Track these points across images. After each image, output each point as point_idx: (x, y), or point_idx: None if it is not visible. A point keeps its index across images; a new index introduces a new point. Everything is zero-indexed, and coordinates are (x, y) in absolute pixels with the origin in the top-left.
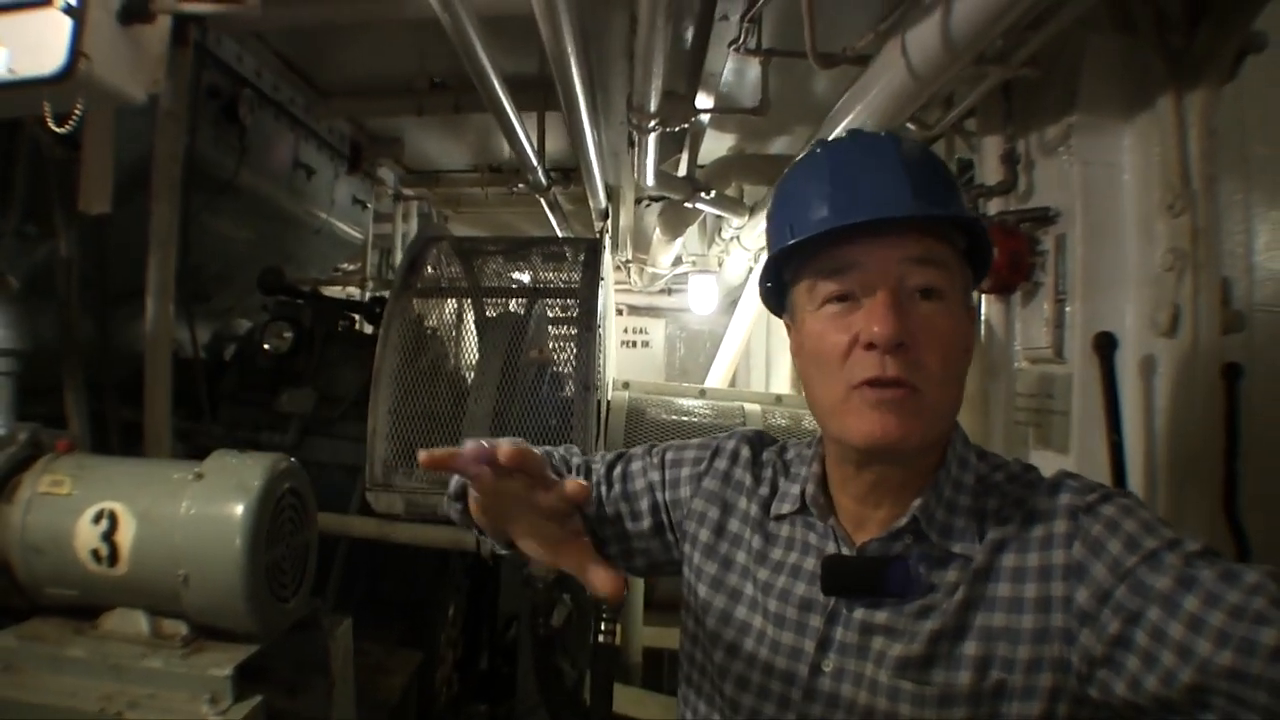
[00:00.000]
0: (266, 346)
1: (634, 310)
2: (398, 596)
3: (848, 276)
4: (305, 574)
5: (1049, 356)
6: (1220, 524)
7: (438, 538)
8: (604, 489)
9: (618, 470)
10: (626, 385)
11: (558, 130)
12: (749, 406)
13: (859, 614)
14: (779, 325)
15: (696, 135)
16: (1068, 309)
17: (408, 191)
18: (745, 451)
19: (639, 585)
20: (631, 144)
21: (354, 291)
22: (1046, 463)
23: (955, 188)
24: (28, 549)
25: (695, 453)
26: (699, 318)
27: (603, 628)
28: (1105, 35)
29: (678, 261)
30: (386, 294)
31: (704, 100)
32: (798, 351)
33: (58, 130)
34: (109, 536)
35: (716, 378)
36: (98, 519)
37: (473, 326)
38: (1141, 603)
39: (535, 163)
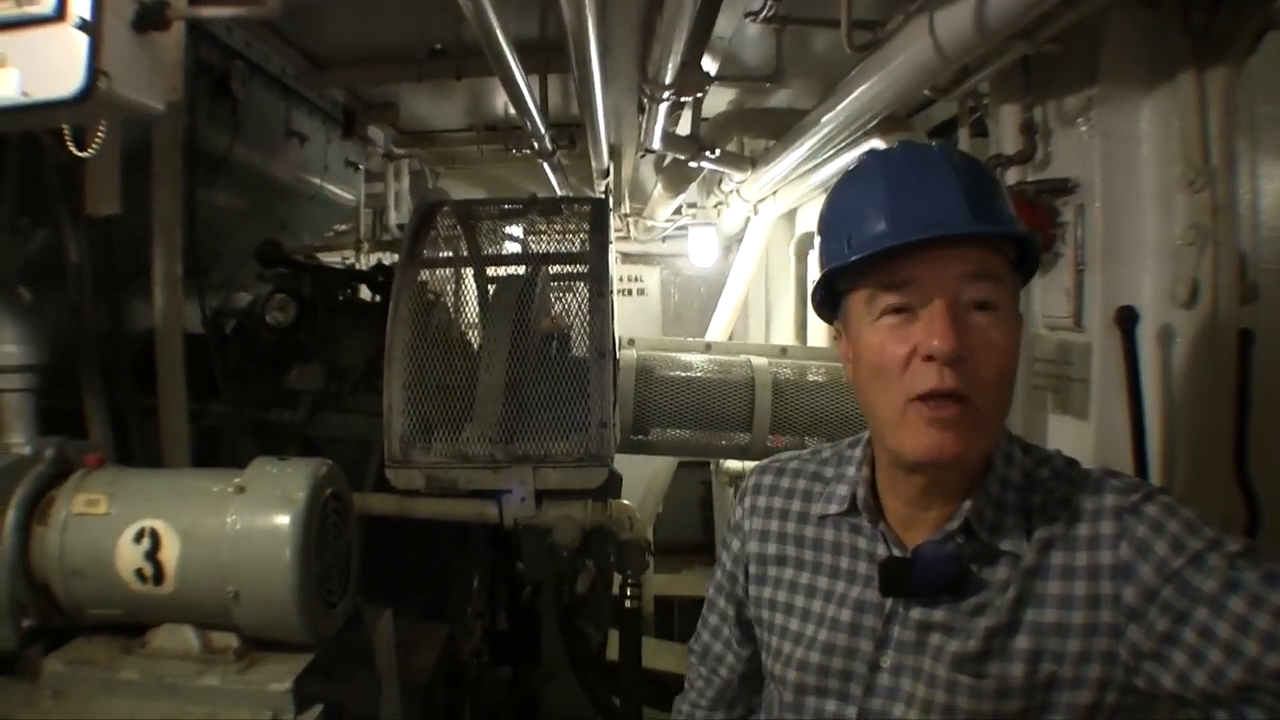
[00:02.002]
0: (269, 320)
1: (628, 258)
2: (418, 570)
3: (906, 290)
4: (349, 576)
5: (1068, 325)
6: (1234, 488)
7: (460, 511)
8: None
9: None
10: (632, 342)
11: (555, 90)
12: (755, 360)
13: (916, 613)
14: (778, 274)
15: (700, 95)
16: (1086, 279)
17: (399, 151)
18: (766, 480)
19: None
20: (641, 110)
21: (349, 255)
22: (1065, 428)
23: (1006, 199)
24: (68, 573)
25: (730, 536)
26: (692, 264)
27: (628, 593)
28: (1128, 9)
29: (676, 213)
30: (385, 258)
31: (709, 64)
32: (854, 361)
33: (79, 155)
34: (152, 555)
35: (717, 330)
36: (139, 538)
37: (472, 288)
38: (1189, 603)
39: (542, 128)
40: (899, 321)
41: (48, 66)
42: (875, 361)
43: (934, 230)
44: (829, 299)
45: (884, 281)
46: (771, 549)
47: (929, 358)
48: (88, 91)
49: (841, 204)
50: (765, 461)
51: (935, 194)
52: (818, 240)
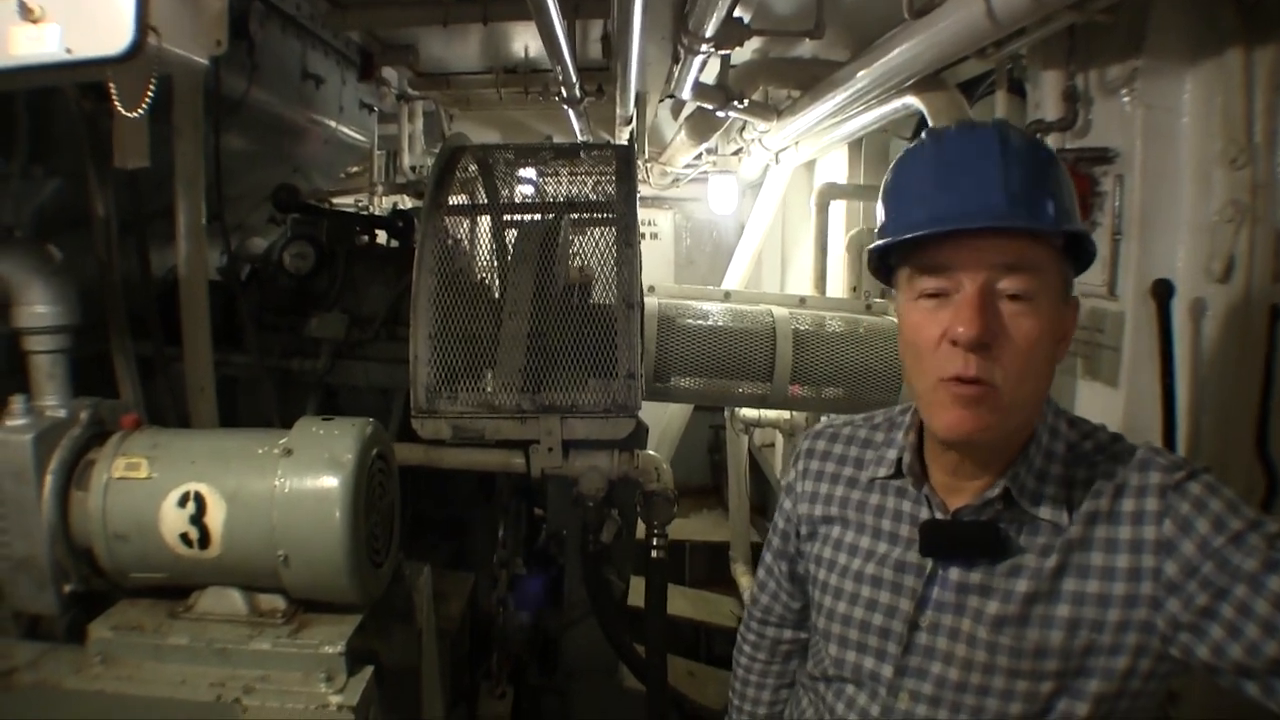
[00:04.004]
0: (288, 267)
1: (643, 202)
2: (442, 518)
3: (941, 275)
4: (393, 534)
5: (1102, 294)
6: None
7: (487, 461)
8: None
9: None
10: (652, 289)
11: (580, 34)
12: (776, 310)
13: (954, 574)
14: (796, 223)
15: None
16: (1122, 248)
17: (414, 93)
18: (820, 445)
19: None
20: (676, 60)
21: (362, 198)
22: (1094, 394)
23: (1062, 185)
24: (111, 537)
25: (784, 497)
26: (703, 208)
27: (655, 543)
28: None
29: (696, 159)
30: (402, 203)
31: (743, 12)
32: (900, 333)
33: (128, 115)
34: (198, 519)
35: (734, 278)
36: (183, 502)
37: (487, 233)
38: (1229, 580)
39: (573, 74)
40: (935, 305)
41: (92, 22)
42: (912, 339)
43: (966, 221)
44: (883, 267)
45: (922, 263)
46: (821, 510)
47: (954, 343)
48: (136, 48)
49: (894, 181)
50: (820, 426)
51: (977, 182)
52: (880, 210)
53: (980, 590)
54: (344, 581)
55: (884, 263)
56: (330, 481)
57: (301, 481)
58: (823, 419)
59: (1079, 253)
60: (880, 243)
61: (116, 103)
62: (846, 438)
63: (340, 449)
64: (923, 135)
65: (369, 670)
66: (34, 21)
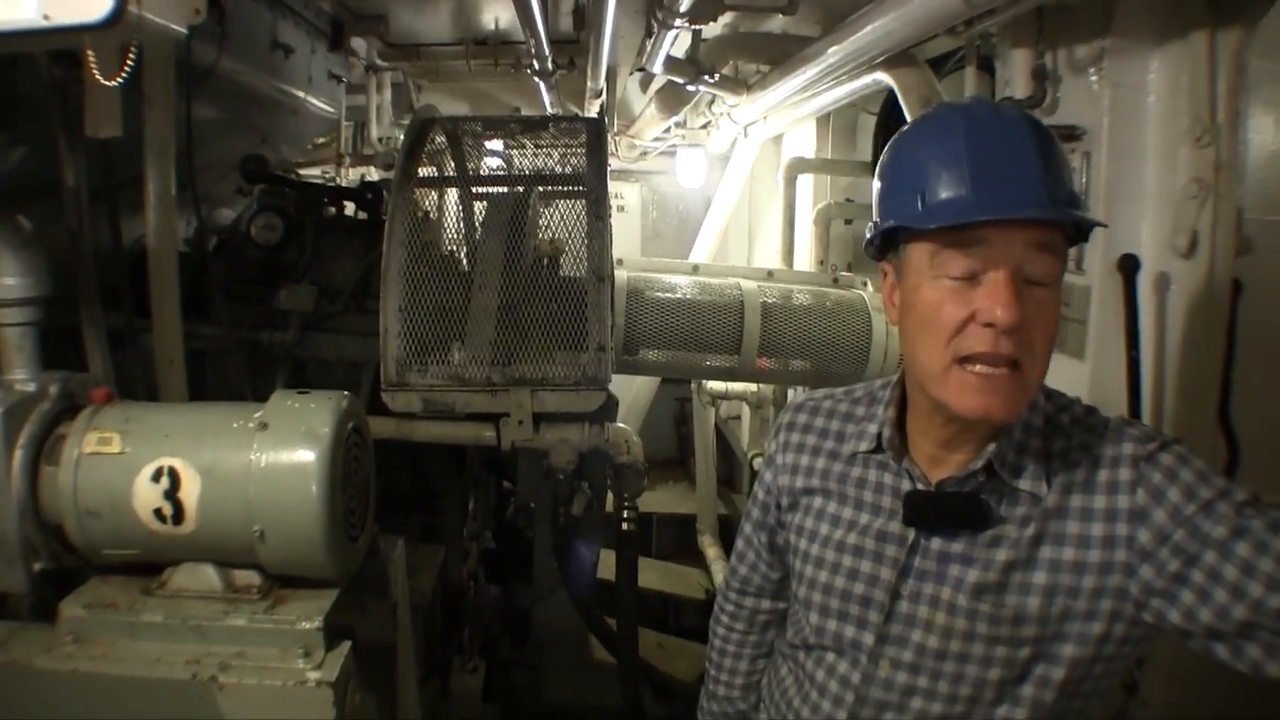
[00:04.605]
0: (256, 238)
1: (610, 175)
2: (412, 491)
3: (972, 252)
4: (369, 507)
5: (1070, 268)
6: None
7: (457, 434)
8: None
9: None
10: (620, 262)
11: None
12: (745, 283)
13: (936, 544)
14: (763, 196)
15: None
16: None
17: (382, 64)
18: (801, 418)
19: None
20: (649, 34)
21: (329, 169)
22: (1061, 366)
23: (1071, 172)
24: (83, 513)
25: (763, 469)
26: (670, 181)
27: (625, 515)
28: None
29: (664, 133)
30: (371, 175)
31: None
32: (904, 309)
33: (108, 84)
34: (172, 494)
35: (702, 251)
36: (157, 477)
37: (455, 205)
38: (1199, 547)
39: (546, 47)
40: (960, 286)
41: None
42: (929, 317)
43: (1013, 211)
44: (885, 241)
45: (951, 241)
46: (802, 481)
47: (989, 324)
48: (117, 15)
49: (915, 155)
50: (801, 399)
51: (1016, 168)
52: (878, 184)
53: (962, 559)
54: (321, 556)
55: (887, 234)
56: (307, 455)
57: (278, 455)
58: (792, 391)
59: (1075, 236)
60: (912, 224)
61: (94, 71)
62: (827, 411)
63: (317, 422)
64: (941, 109)
65: (347, 645)
66: None
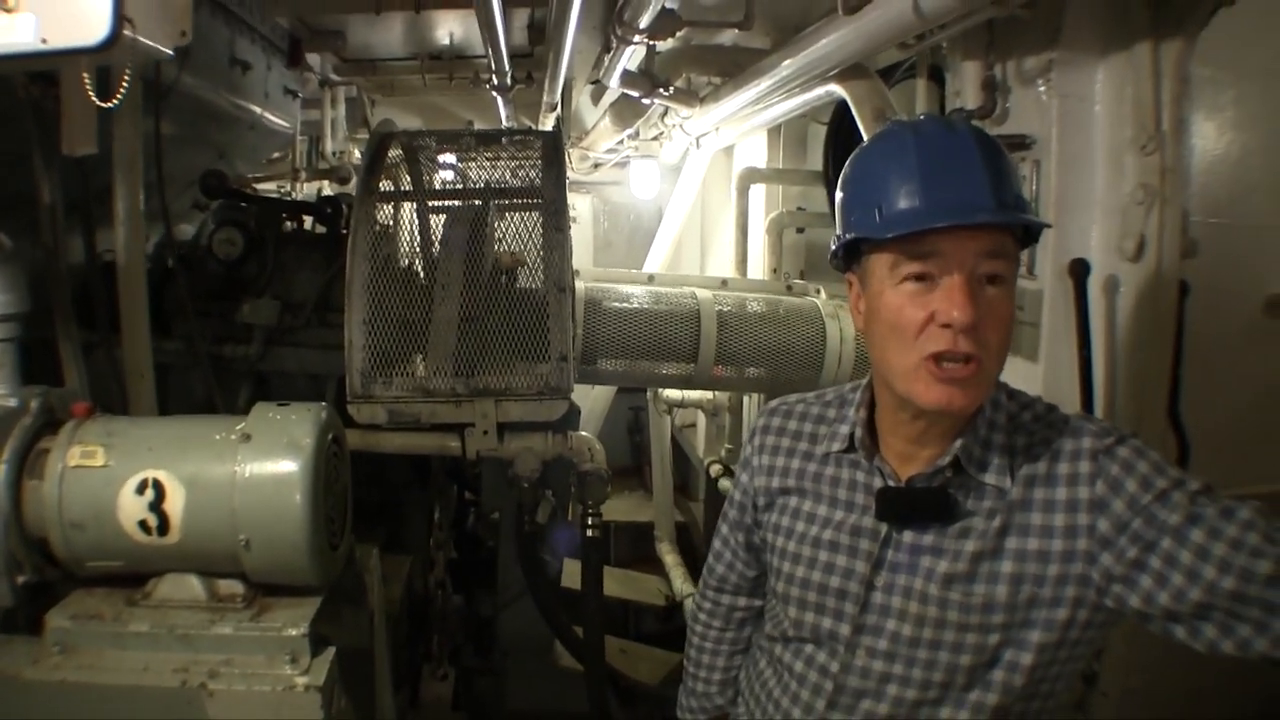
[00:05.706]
0: (217, 253)
1: None
2: (377, 502)
3: (929, 261)
4: (347, 516)
5: (1022, 273)
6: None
7: (423, 444)
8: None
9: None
10: (577, 273)
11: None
12: (700, 292)
13: (908, 537)
14: (716, 206)
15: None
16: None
17: (337, 79)
18: (775, 421)
19: None
20: (608, 49)
21: (284, 184)
22: (1015, 368)
23: (1019, 179)
24: (67, 526)
25: (739, 471)
26: (621, 192)
27: (590, 523)
28: None
29: (617, 145)
30: (327, 190)
31: (672, 2)
32: (868, 313)
33: (103, 106)
34: (156, 506)
35: (656, 261)
36: (141, 489)
37: (413, 219)
38: (1156, 534)
39: (506, 62)
40: (919, 289)
41: (67, 12)
42: (894, 320)
43: (965, 217)
44: (848, 254)
45: (909, 251)
46: (779, 482)
47: (946, 325)
48: (113, 39)
49: (871, 170)
50: (775, 404)
51: (964, 178)
52: (840, 197)
53: (932, 551)
54: (305, 563)
55: (849, 247)
56: (291, 466)
57: (262, 466)
58: (747, 398)
59: (1025, 239)
60: (869, 235)
61: (89, 92)
62: (800, 414)
63: (299, 433)
64: (893, 126)
65: (331, 651)
66: (8, 11)
